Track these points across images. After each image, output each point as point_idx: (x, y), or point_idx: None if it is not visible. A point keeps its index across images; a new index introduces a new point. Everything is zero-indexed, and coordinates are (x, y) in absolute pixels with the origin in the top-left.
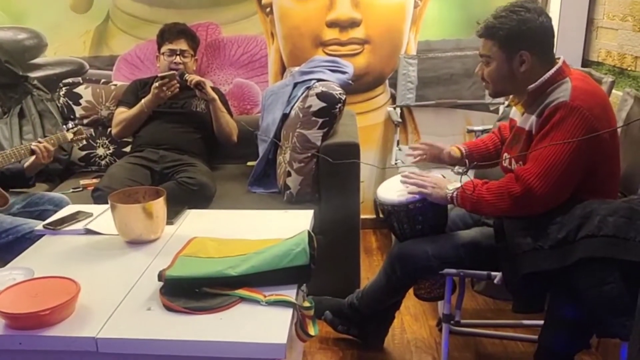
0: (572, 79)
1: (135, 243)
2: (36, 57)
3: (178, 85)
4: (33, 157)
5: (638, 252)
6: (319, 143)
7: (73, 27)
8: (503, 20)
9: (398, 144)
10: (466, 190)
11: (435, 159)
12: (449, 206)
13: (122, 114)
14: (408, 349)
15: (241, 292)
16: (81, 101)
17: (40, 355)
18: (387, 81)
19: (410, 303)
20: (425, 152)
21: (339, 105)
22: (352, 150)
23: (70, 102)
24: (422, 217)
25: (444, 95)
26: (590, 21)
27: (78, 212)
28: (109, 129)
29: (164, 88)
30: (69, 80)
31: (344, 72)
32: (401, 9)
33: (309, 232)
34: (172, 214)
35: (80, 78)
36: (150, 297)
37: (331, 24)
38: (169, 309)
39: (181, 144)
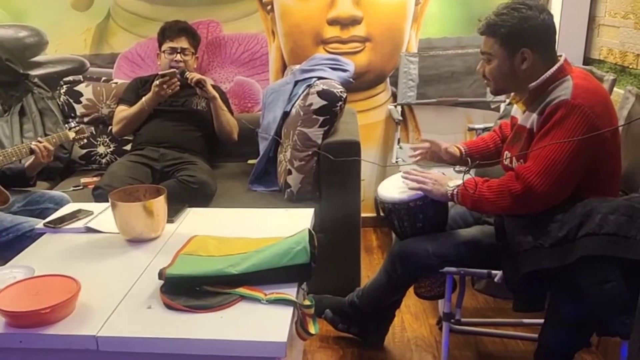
0: (573, 77)
1: (136, 241)
2: (37, 55)
3: (179, 83)
4: (33, 157)
5: (639, 251)
6: (319, 141)
7: (74, 24)
8: (504, 17)
9: (399, 142)
10: (467, 187)
11: (435, 156)
12: (450, 204)
13: (123, 112)
14: (408, 347)
15: (241, 290)
16: (82, 99)
17: (41, 354)
18: (388, 79)
19: (410, 301)
20: (426, 150)
21: (340, 103)
22: (353, 149)
23: (71, 100)
24: (422, 215)
25: (445, 93)
26: (591, 19)
27: (78, 211)
28: (110, 127)
29: (165, 86)
30: (70, 78)
31: (344, 70)
32: (402, 6)
33: (309, 230)
34: (173, 212)
35: (81, 76)
36: (150, 296)
37: (332, 22)
38: (169, 307)
39: (182, 142)
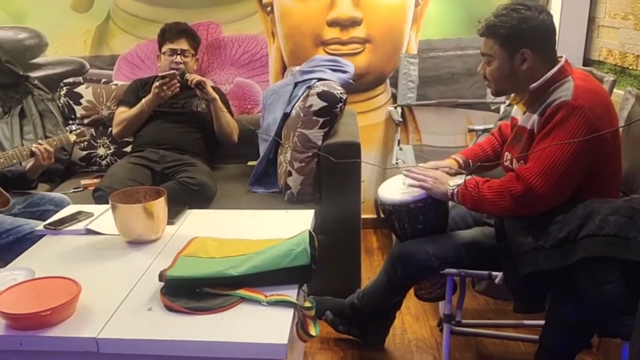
0: (574, 78)
1: (136, 243)
2: (37, 56)
3: (178, 84)
4: (33, 159)
5: (639, 252)
6: (319, 142)
7: (74, 26)
8: (504, 18)
9: (399, 144)
10: (468, 187)
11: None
12: (450, 205)
13: (123, 113)
14: (409, 349)
15: (242, 292)
16: (82, 101)
17: (41, 356)
18: (388, 80)
19: (411, 303)
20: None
21: (340, 104)
22: (353, 150)
23: (71, 102)
24: (423, 217)
25: (445, 94)
26: (591, 20)
27: (79, 212)
28: (110, 129)
29: (165, 87)
30: (70, 79)
31: (344, 72)
32: (402, 8)
33: (309, 232)
34: (173, 214)
35: (81, 78)
36: (151, 298)
37: (332, 23)
38: (169, 309)
39: (182, 144)
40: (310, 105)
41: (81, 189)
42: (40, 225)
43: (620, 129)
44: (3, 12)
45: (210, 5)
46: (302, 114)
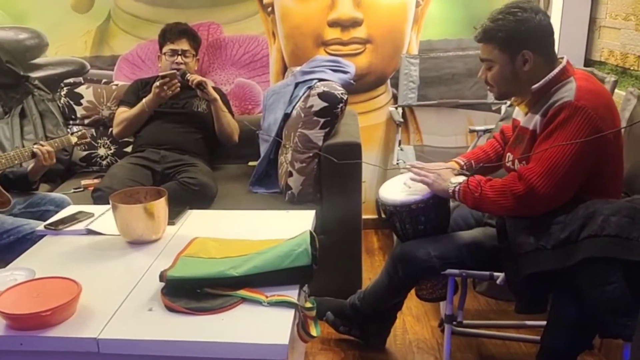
0: (576, 79)
1: (137, 243)
2: (37, 57)
3: (179, 84)
4: (35, 160)
5: None
6: (320, 143)
7: (74, 26)
8: (501, 22)
9: (400, 144)
10: (470, 185)
11: None
12: (452, 206)
13: (123, 113)
14: (410, 349)
15: (243, 292)
16: (82, 101)
17: (42, 356)
18: (388, 81)
19: (412, 303)
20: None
21: (341, 105)
22: (353, 150)
23: (72, 102)
24: (424, 217)
25: (446, 95)
26: (592, 20)
27: (79, 213)
28: (110, 129)
29: (165, 87)
30: (70, 80)
31: (345, 72)
32: (403, 8)
33: (310, 232)
34: (174, 214)
35: (81, 78)
36: (151, 298)
37: (333, 24)
38: (170, 309)
39: (182, 144)
40: (311, 106)
41: (82, 189)
42: (40, 226)
43: (622, 130)
44: (4, 12)
45: (210, 6)
46: (302, 115)
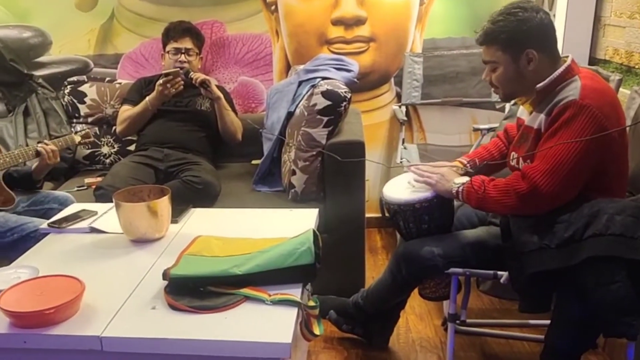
0: (581, 78)
1: (140, 242)
2: (41, 55)
3: (182, 82)
4: (39, 159)
5: None
6: (324, 141)
7: (78, 25)
8: (502, 23)
9: (403, 143)
10: (474, 185)
11: None
12: (455, 205)
13: (127, 111)
14: (413, 348)
15: (246, 291)
16: (86, 99)
17: (45, 354)
18: (392, 79)
19: (415, 302)
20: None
21: (344, 103)
22: (357, 149)
23: (75, 101)
24: (428, 216)
25: (450, 93)
26: (597, 19)
27: (83, 211)
28: (114, 128)
29: (168, 85)
30: (74, 78)
31: (349, 70)
32: (407, 6)
33: (314, 230)
34: (177, 213)
35: (85, 76)
36: (154, 296)
37: (336, 22)
38: (173, 308)
39: (186, 143)
40: (315, 104)
41: (85, 187)
42: (44, 224)
43: (627, 128)
44: (7, 10)
45: (214, 4)
46: (306, 113)
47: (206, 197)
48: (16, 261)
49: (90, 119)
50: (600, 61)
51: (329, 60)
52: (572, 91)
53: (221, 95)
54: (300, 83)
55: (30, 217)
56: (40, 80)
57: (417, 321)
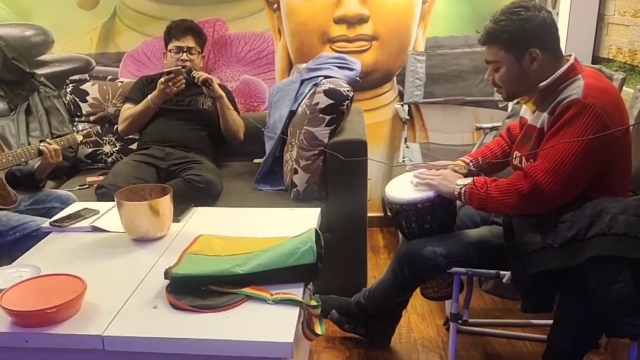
0: (584, 76)
1: (142, 241)
2: (43, 53)
3: (184, 80)
4: (41, 158)
5: None
6: (326, 140)
7: (80, 23)
8: (504, 23)
9: (406, 142)
10: (476, 185)
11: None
12: (458, 205)
13: (128, 110)
14: (415, 348)
15: (248, 290)
16: (88, 98)
17: (47, 353)
18: (394, 78)
19: (417, 302)
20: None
21: (347, 102)
22: (359, 148)
23: (77, 99)
24: (430, 216)
25: (452, 92)
26: (600, 17)
27: (84, 210)
28: (116, 126)
29: (170, 84)
30: (76, 77)
31: (351, 69)
32: (409, 5)
33: (316, 230)
34: (179, 212)
35: (87, 75)
36: (156, 295)
37: (339, 21)
38: (175, 307)
39: (187, 142)
40: (317, 103)
41: (87, 186)
42: (46, 223)
43: (630, 128)
44: (10, 9)
45: (216, 3)
46: (308, 112)
47: (208, 196)
48: (18, 260)
49: (92, 118)
50: (603, 60)
51: (331, 59)
52: (575, 90)
53: (223, 94)
54: (302, 82)
55: (32, 216)
56: (42, 79)
57: (419, 321)
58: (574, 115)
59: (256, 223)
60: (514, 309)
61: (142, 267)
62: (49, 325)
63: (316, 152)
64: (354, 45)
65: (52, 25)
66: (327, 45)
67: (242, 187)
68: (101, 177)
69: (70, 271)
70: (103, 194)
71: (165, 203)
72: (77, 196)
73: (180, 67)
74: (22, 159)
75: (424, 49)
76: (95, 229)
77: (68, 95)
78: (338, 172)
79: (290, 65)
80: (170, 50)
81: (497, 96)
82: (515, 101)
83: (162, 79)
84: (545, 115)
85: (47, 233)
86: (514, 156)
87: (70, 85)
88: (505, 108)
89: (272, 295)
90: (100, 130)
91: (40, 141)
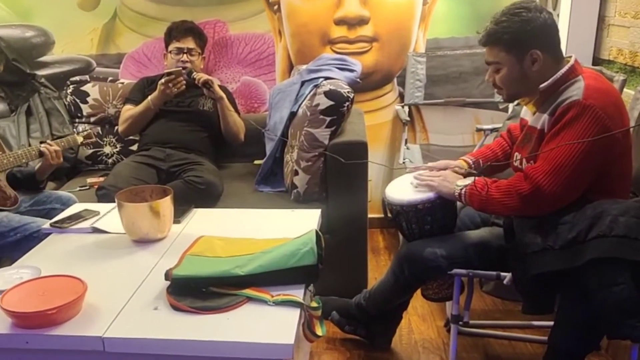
0: (585, 78)
1: (142, 242)
2: (43, 55)
3: (185, 82)
4: (42, 159)
5: None
6: (326, 142)
7: (80, 24)
8: (505, 24)
9: (406, 143)
10: (477, 186)
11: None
12: (458, 206)
13: (129, 111)
14: (416, 349)
15: (248, 291)
16: (88, 99)
17: (47, 354)
18: (395, 79)
19: (417, 303)
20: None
21: (347, 103)
22: (360, 149)
23: (78, 100)
24: (431, 217)
25: (453, 93)
26: (601, 19)
27: (85, 211)
28: (116, 127)
29: (170, 85)
30: (76, 78)
31: (352, 70)
32: (410, 6)
33: (316, 231)
34: (179, 213)
35: (87, 76)
36: (157, 297)
37: (339, 22)
38: (175, 308)
39: (188, 143)
40: (317, 104)
41: (87, 187)
42: (46, 224)
43: (631, 129)
44: (10, 10)
45: (217, 4)
46: (308, 113)
47: (208, 197)
48: (18, 261)
49: (92, 119)
50: (604, 61)
51: (332, 60)
52: (576, 91)
53: (224, 95)
54: (302, 83)
55: (33, 217)
56: (42, 80)
57: (419, 322)
58: (575, 116)
59: (257, 224)
60: (515, 311)
61: (143, 268)
62: (50, 326)
63: (316, 153)
64: (355, 46)
65: (52, 26)
66: (327, 47)
67: (242, 188)
68: (102, 179)
69: (70, 272)
70: (103, 195)
71: (166, 204)
72: (77, 197)
73: (180, 68)
74: (23, 160)
75: (425, 51)
76: (96, 230)
77: (68, 96)
78: (338, 174)
79: (290, 67)
80: (170, 52)
81: (498, 97)
82: (515, 102)
83: (163, 80)
84: (545, 116)
85: (48, 234)
86: (515, 157)
87: (71, 86)
88: (505, 109)
89: (272, 296)
90: (100, 132)
91: (41, 142)
